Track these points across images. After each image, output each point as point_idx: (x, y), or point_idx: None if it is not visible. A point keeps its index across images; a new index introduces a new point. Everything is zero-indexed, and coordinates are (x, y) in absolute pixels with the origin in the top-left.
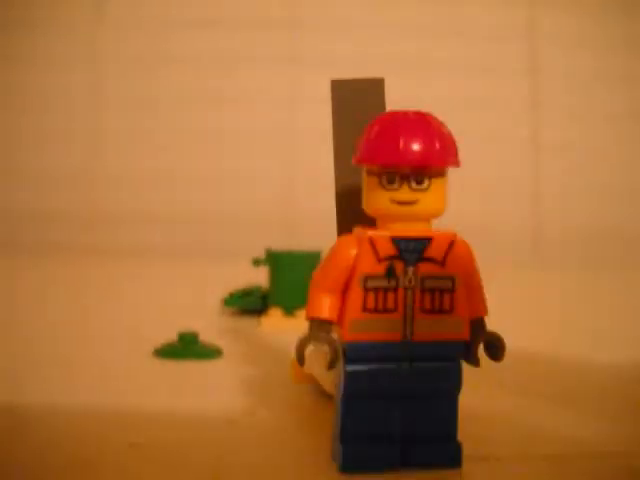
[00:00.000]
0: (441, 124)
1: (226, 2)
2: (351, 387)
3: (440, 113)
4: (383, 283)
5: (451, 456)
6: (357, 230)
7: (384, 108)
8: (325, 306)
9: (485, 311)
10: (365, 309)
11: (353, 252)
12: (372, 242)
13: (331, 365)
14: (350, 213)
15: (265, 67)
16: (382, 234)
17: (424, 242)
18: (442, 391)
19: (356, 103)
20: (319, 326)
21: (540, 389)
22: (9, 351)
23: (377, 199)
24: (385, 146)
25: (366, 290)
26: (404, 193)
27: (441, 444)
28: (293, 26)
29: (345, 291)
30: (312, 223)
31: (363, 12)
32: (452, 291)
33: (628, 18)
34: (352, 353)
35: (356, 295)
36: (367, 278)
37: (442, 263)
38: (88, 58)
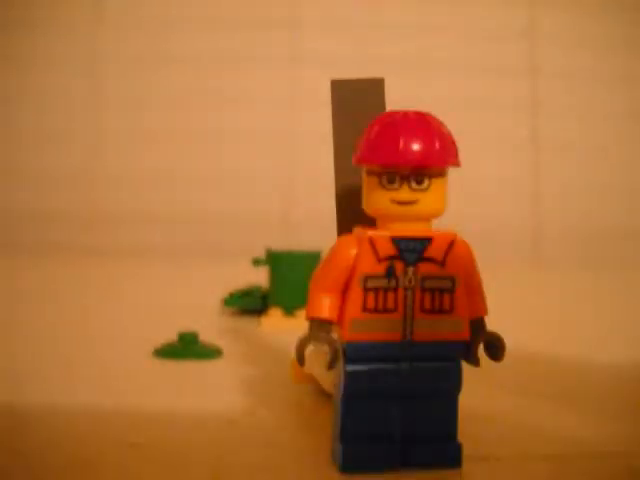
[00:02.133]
0: (441, 124)
1: (226, 2)
2: (351, 387)
3: (440, 113)
4: (383, 283)
5: (451, 456)
6: (357, 230)
7: (384, 108)
8: (325, 306)
9: (485, 311)
10: (365, 309)
11: (353, 252)
12: (372, 242)
13: (331, 365)
14: (350, 213)
15: (265, 67)
16: (382, 234)
17: (424, 242)
18: (442, 391)
19: (356, 103)
20: (319, 326)
21: (540, 389)
22: (9, 351)
23: (377, 199)
24: (385, 146)
25: (366, 290)
26: (404, 193)
27: (441, 444)
28: (293, 26)
29: (345, 291)
30: (312, 223)
31: (363, 12)
32: (452, 291)
33: (628, 18)
34: (352, 353)
35: (356, 295)
36: (367, 278)
37: (442, 263)
38: (88, 58)
